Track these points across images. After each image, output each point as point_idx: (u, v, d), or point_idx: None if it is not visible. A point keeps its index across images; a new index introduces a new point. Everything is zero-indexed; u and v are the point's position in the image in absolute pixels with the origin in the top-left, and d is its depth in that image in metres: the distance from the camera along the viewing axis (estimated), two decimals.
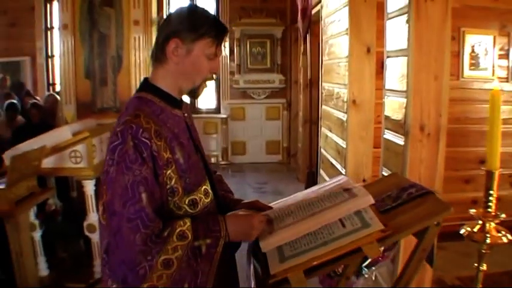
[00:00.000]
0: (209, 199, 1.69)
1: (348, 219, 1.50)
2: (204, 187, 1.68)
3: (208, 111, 9.68)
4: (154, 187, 1.52)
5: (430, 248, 1.57)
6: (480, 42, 5.00)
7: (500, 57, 5.08)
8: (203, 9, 1.72)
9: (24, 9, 9.25)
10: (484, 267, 1.83)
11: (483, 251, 1.79)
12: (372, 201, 1.55)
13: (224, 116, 9.57)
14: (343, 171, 4.29)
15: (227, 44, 9.26)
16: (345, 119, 4.28)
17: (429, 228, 1.52)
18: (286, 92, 9.65)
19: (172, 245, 1.45)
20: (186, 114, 1.80)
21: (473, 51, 4.99)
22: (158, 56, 1.67)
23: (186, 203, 1.61)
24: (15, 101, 6.45)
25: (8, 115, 6.14)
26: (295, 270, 1.39)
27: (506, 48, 5.10)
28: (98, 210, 1.63)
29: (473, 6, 4.89)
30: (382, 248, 1.98)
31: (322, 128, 5.50)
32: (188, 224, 1.52)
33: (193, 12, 1.68)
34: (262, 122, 9.79)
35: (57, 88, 9.30)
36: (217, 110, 9.75)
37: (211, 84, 9.52)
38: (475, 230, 1.78)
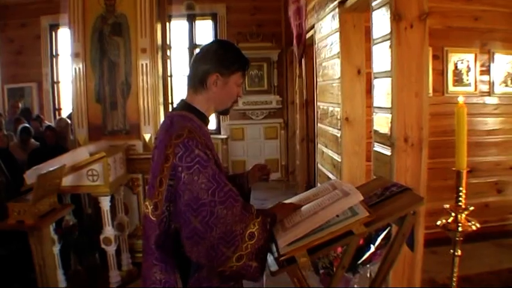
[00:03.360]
0: None
1: None
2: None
3: (209, 132, 9.89)
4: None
5: (408, 233, 1.92)
6: (462, 60, 5.36)
7: (482, 73, 5.44)
8: (235, 47, 2.18)
9: (31, 37, 9.68)
10: (459, 252, 2.12)
11: (457, 238, 2.10)
12: (361, 197, 1.90)
13: (224, 136, 9.89)
14: None
15: None
16: (339, 135, 4.60)
17: (407, 217, 1.88)
18: (283, 112, 10.00)
19: (253, 221, 1.85)
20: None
21: (456, 68, 5.34)
22: (197, 85, 2.10)
23: None
24: (28, 125, 6.75)
25: (22, 138, 6.42)
26: (299, 250, 1.75)
27: (487, 64, 5.46)
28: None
29: (455, 27, 5.25)
30: (373, 248, 2.33)
31: (319, 145, 5.82)
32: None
33: (228, 51, 2.12)
34: (261, 141, 10.15)
35: (62, 113, 9.65)
36: (218, 131, 10.09)
37: None
38: (449, 221, 2.09)
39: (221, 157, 9.63)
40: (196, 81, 2.10)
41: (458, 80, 5.34)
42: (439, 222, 2.12)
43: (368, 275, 2.54)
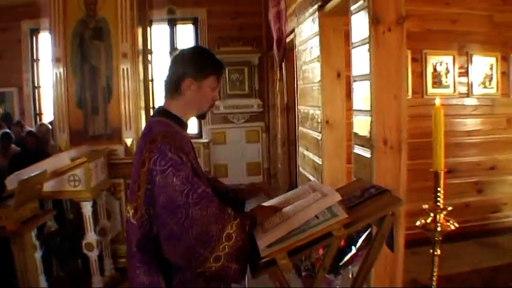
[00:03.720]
0: None
1: (320, 212, 1.88)
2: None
3: (191, 137, 9.84)
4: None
5: (387, 233, 1.95)
6: (441, 62, 5.41)
7: (460, 74, 5.49)
8: (208, 52, 2.22)
9: (11, 41, 9.55)
10: (438, 251, 2.16)
11: (436, 238, 2.14)
12: (339, 197, 1.93)
13: (206, 140, 9.86)
14: None
15: None
16: (320, 138, 4.64)
17: (386, 218, 1.91)
18: (265, 116, 10.01)
19: (230, 223, 1.86)
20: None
21: (435, 70, 5.39)
22: (172, 91, 2.14)
23: None
24: (9, 131, 6.69)
25: (3, 144, 6.37)
26: (280, 252, 1.77)
27: (465, 66, 5.51)
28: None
29: (434, 30, 5.30)
30: (355, 250, 2.36)
31: (300, 148, 5.85)
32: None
33: (201, 56, 2.16)
34: (242, 145, 10.12)
35: (44, 118, 9.58)
36: (200, 135, 10.04)
37: None
38: (428, 221, 2.13)
39: (203, 161, 9.63)
40: (172, 87, 2.14)
41: (437, 82, 5.40)
42: (418, 223, 2.15)
43: (350, 275, 2.57)
